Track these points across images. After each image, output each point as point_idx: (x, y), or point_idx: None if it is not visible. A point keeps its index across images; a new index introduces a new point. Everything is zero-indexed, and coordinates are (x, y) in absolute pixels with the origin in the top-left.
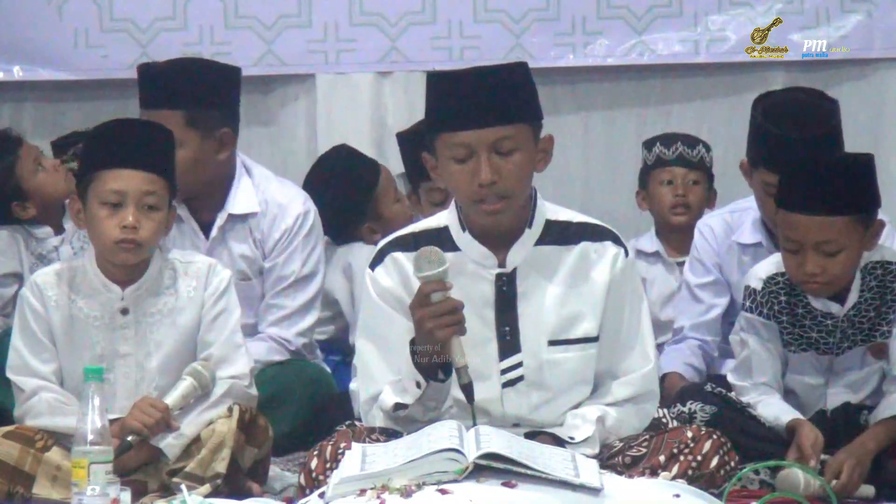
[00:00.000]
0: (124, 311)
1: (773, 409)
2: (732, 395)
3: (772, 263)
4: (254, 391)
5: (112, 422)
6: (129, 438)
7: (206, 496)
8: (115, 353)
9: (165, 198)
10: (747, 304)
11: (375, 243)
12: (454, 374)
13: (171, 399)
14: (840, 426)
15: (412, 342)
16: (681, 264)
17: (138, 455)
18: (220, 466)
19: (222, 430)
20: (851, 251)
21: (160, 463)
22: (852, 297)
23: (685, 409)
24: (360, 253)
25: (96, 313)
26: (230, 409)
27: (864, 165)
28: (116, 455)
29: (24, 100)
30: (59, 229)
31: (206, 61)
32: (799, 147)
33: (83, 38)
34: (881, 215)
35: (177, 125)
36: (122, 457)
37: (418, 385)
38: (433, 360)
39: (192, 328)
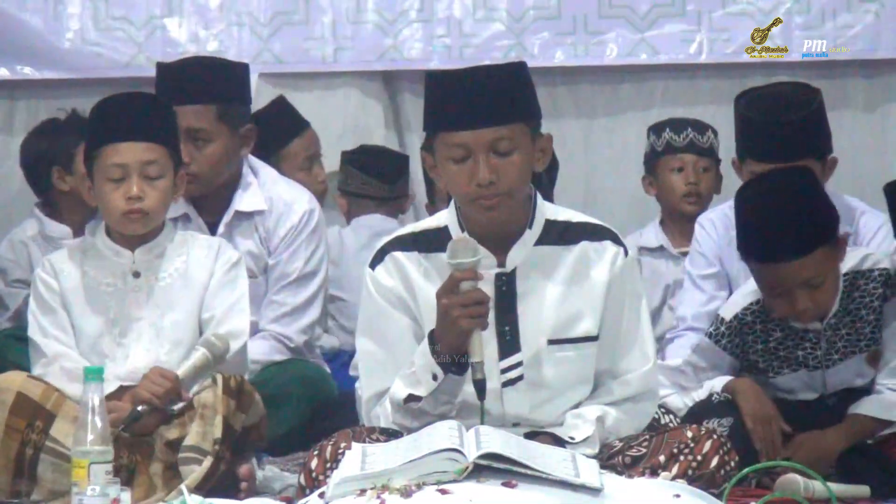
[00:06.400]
0: (136, 274)
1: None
2: None
3: (745, 296)
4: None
5: (126, 389)
6: (140, 408)
7: (208, 468)
8: (128, 316)
9: (168, 165)
10: (711, 330)
11: None
12: (469, 369)
13: (182, 370)
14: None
15: (431, 333)
16: (684, 254)
17: (149, 422)
18: (217, 431)
19: (209, 399)
20: (834, 276)
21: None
22: (831, 311)
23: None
24: None
25: (108, 279)
26: (214, 379)
27: (815, 197)
28: (127, 424)
29: (18, 98)
30: (79, 228)
31: (225, 59)
32: (782, 131)
33: (79, 36)
34: (878, 215)
35: (209, 120)
36: (134, 424)
37: (434, 377)
38: (453, 352)
39: (203, 290)
